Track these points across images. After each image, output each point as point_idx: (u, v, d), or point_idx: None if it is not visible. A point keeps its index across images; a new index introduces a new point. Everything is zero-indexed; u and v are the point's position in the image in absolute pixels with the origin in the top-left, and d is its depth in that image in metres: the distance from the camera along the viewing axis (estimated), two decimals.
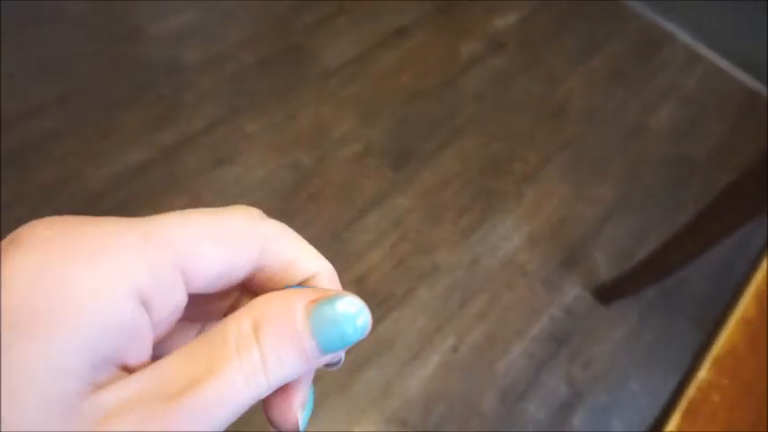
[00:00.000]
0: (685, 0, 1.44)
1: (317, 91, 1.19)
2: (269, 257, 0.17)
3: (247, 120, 1.12)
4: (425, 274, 1.01)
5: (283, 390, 0.17)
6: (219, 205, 0.17)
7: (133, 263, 0.14)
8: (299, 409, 0.17)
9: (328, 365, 0.19)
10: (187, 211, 0.16)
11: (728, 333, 0.37)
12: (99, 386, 0.13)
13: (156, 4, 1.24)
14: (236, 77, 1.17)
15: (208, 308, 0.19)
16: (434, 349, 0.94)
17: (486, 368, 0.94)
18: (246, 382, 0.14)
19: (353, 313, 0.16)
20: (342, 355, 0.19)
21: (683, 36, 1.47)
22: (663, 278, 0.94)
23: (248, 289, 0.18)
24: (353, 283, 0.98)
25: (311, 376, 0.18)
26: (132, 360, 0.14)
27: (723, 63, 1.44)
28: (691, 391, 0.35)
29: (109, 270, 0.13)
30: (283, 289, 0.17)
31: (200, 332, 0.19)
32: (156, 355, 0.15)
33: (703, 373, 0.35)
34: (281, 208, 1.03)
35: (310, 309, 0.15)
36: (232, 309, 0.18)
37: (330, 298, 0.16)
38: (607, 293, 1.03)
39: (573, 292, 1.04)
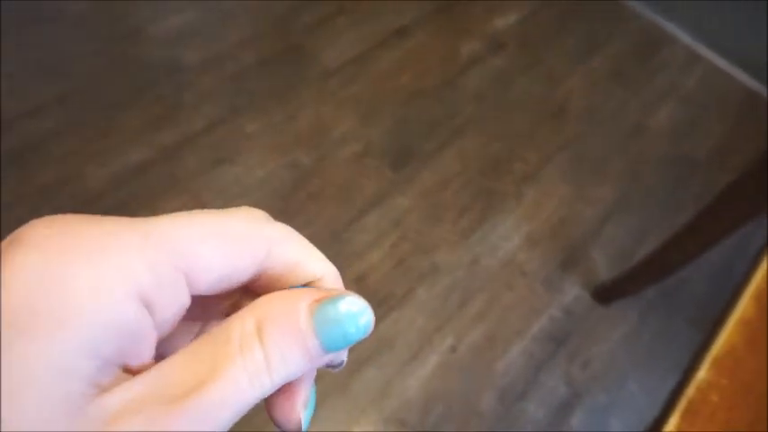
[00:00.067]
0: (685, 0, 1.44)
1: (317, 91, 1.19)
2: (273, 260, 0.17)
3: (247, 120, 1.12)
4: (425, 273, 1.01)
5: (286, 389, 0.17)
6: (219, 205, 0.17)
7: (134, 264, 0.14)
8: (302, 408, 0.17)
9: (331, 366, 0.19)
10: (191, 212, 0.16)
11: (728, 333, 0.37)
12: (103, 388, 0.13)
13: (156, 3, 1.24)
14: (236, 77, 1.18)
15: (209, 307, 0.19)
16: (434, 349, 0.94)
17: (486, 368, 0.94)
18: (250, 382, 0.14)
19: (356, 312, 0.16)
20: (344, 357, 0.19)
21: (683, 36, 1.47)
22: (662, 278, 0.94)
23: (251, 290, 0.18)
24: (353, 282, 0.98)
25: (313, 375, 0.18)
26: (135, 361, 0.14)
27: (723, 63, 1.44)
28: (690, 390, 0.35)
29: (109, 270, 0.13)
30: (287, 289, 0.17)
31: (200, 331, 0.19)
32: (158, 354, 0.15)
33: (702, 373, 0.36)
34: (281, 208, 1.03)
35: (313, 308, 0.15)
36: (234, 308, 0.18)
37: (333, 297, 0.16)
38: (606, 293, 1.03)
39: (572, 292, 1.04)
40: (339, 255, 1.00)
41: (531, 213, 1.11)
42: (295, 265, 0.17)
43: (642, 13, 1.50)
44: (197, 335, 0.19)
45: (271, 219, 0.18)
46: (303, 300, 0.15)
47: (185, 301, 0.15)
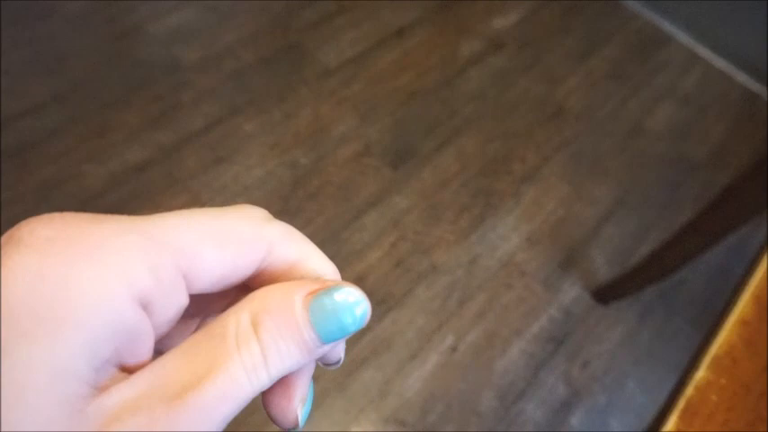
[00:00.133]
0: (685, 0, 1.44)
1: (317, 90, 1.19)
2: (274, 259, 0.17)
3: (246, 119, 1.12)
4: (424, 273, 1.01)
5: (283, 386, 0.17)
6: (218, 204, 0.17)
7: (134, 265, 0.13)
8: (299, 405, 0.17)
9: (328, 365, 0.19)
10: (191, 210, 0.16)
11: (727, 333, 0.37)
12: (101, 389, 0.13)
13: (155, 2, 1.24)
14: (236, 76, 1.17)
15: (208, 304, 0.18)
16: (433, 349, 0.94)
17: (485, 368, 0.94)
18: (248, 377, 0.14)
19: (352, 303, 0.16)
20: (342, 354, 0.19)
21: (683, 36, 1.47)
22: (662, 278, 0.94)
23: (251, 287, 0.18)
24: (352, 282, 0.97)
25: (311, 372, 0.18)
26: (132, 360, 0.14)
27: (722, 64, 1.44)
28: (689, 390, 0.35)
29: (109, 272, 0.13)
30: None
31: (199, 327, 0.19)
32: (156, 351, 0.15)
33: (701, 372, 0.36)
34: (280, 207, 1.03)
35: (309, 300, 0.15)
36: (232, 304, 0.18)
37: (328, 288, 0.16)
38: (606, 293, 1.03)
39: (572, 292, 1.04)
40: (338, 254, 1.00)
41: (530, 213, 1.11)
42: (295, 264, 0.17)
43: (641, 14, 1.50)
44: (195, 331, 0.18)
45: (271, 217, 0.18)
46: (298, 292, 0.15)
47: (184, 302, 0.15)
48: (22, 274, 0.12)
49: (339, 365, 0.19)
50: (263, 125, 1.12)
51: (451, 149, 1.16)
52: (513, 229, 1.09)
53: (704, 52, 1.45)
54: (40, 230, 0.13)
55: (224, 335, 0.14)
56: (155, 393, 0.13)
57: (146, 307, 0.14)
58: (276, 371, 0.15)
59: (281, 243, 0.17)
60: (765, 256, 0.41)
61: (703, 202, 0.81)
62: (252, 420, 0.81)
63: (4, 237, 0.13)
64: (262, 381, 0.14)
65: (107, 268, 0.13)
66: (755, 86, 1.41)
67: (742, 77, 1.42)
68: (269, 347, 0.14)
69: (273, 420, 0.17)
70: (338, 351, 0.19)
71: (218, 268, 0.15)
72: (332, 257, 0.19)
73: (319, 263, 0.18)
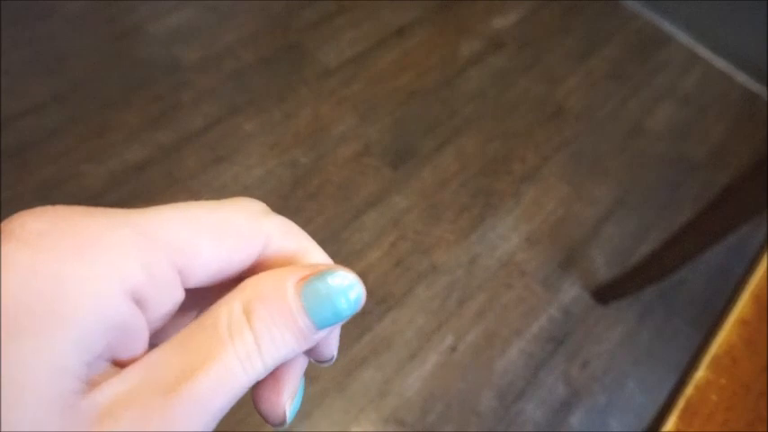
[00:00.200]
0: (685, 0, 1.44)
1: (317, 90, 1.19)
2: (271, 253, 0.17)
3: (246, 118, 1.12)
4: (424, 273, 1.01)
5: (273, 380, 0.17)
6: None
7: (127, 261, 0.13)
8: (288, 400, 0.17)
9: (321, 361, 0.18)
10: (187, 204, 0.15)
11: (726, 333, 0.37)
12: (94, 384, 0.13)
13: (155, 2, 1.24)
14: (235, 76, 1.17)
15: (205, 296, 0.18)
16: (433, 348, 0.94)
17: (485, 367, 0.94)
18: (243, 367, 0.14)
19: (346, 287, 0.15)
20: (335, 351, 0.18)
21: (683, 36, 1.47)
22: (661, 278, 0.94)
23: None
24: None
25: (302, 368, 0.18)
26: (126, 355, 0.14)
27: (722, 64, 1.44)
28: (689, 390, 0.35)
29: (102, 268, 0.13)
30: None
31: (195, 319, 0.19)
32: (151, 346, 0.15)
33: (701, 372, 0.36)
34: (280, 207, 1.03)
35: (301, 286, 0.15)
36: None
37: (321, 273, 0.15)
38: (605, 293, 1.03)
39: (571, 291, 1.04)
40: (338, 254, 1.00)
41: (530, 213, 1.11)
42: (292, 257, 0.17)
43: (641, 14, 1.50)
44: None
45: (269, 210, 0.17)
46: (290, 278, 0.15)
47: (179, 297, 0.15)
48: (14, 270, 0.12)
49: (332, 362, 0.19)
50: (262, 125, 1.12)
51: (451, 149, 1.16)
52: (512, 228, 1.09)
53: (704, 52, 1.45)
54: (31, 224, 0.13)
55: (216, 325, 0.14)
56: (148, 387, 0.13)
57: (139, 302, 0.14)
58: (271, 359, 0.14)
59: (278, 237, 0.17)
60: (765, 256, 0.41)
61: (703, 202, 0.81)
62: (252, 420, 0.81)
63: None
64: (257, 370, 0.14)
65: (99, 264, 0.13)
66: (755, 86, 1.41)
67: (742, 77, 1.42)
68: (262, 336, 0.14)
69: (261, 415, 0.17)
70: (331, 347, 0.18)
71: (213, 263, 0.15)
72: (332, 257, 0.19)
73: (318, 257, 0.18)
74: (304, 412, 0.85)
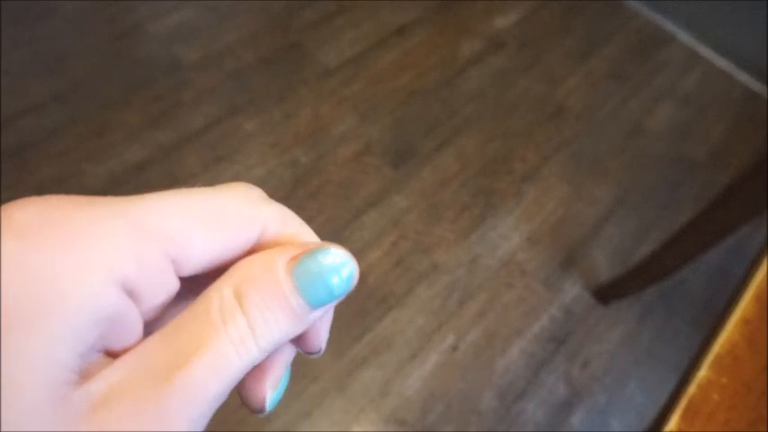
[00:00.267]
0: (685, 0, 1.44)
1: (317, 89, 1.19)
2: (268, 239, 0.16)
3: (246, 118, 1.12)
4: (425, 272, 1.01)
5: (257, 368, 0.16)
6: None
7: (117, 251, 0.13)
8: (269, 388, 0.16)
9: (309, 353, 0.18)
10: (181, 191, 0.15)
11: (728, 332, 0.37)
12: (87, 375, 0.13)
13: (155, 2, 1.24)
14: (236, 76, 1.17)
15: (202, 283, 0.18)
16: (433, 348, 0.94)
17: (485, 367, 0.94)
18: (237, 352, 0.14)
19: (339, 264, 0.15)
20: (323, 344, 0.18)
21: (683, 36, 1.47)
22: (662, 279, 0.94)
23: None
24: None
25: (289, 358, 0.17)
26: (119, 346, 0.14)
27: (723, 63, 1.44)
28: (691, 389, 0.35)
29: (91, 259, 0.13)
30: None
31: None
32: (146, 335, 0.14)
33: (703, 371, 0.35)
34: None
35: (292, 265, 0.15)
36: None
37: (312, 251, 0.15)
38: (606, 293, 1.03)
39: (572, 291, 1.04)
40: None
41: (530, 213, 1.11)
42: (288, 243, 0.17)
43: (642, 13, 1.50)
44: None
45: (266, 197, 0.17)
46: (280, 258, 0.15)
47: (173, 286, 0.15)
48: (4, 264, 0.12)
49: (320, 354, 0.18)
50: (263, 124, 1.12)
51: (452, 149, 1.16)
52: (513, 228, 1.09)
53: (705, 51, 1.45)
54: (18, 216, 0.13)
55: (208, 311, 0.14)
56: (141, 376, 0.13)
57: (131, 293, 0.14)
58: (266, 342, 0.14)
59: (275, 223, 0.16)
60: (767, 256, 0.41)
61: (703, 202, 0.81)
62: (252, 420, 0.81)
63: None
64: (252, 354, 0.14)
65: (88, 255, 0.13)
66: (756, 86, 1.41)
67: (743, 77, 1.42)
68: (256, 319, 0.14)
69: (242, 400, 0.17)
70: (321, 337, 0.18)
71: (208, 252, 0.15)
72: None
73: (313, 241, 0.17)
74: (304, 412, 0.85)
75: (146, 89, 1.12)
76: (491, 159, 1.17)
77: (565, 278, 1.05)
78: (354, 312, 0.95)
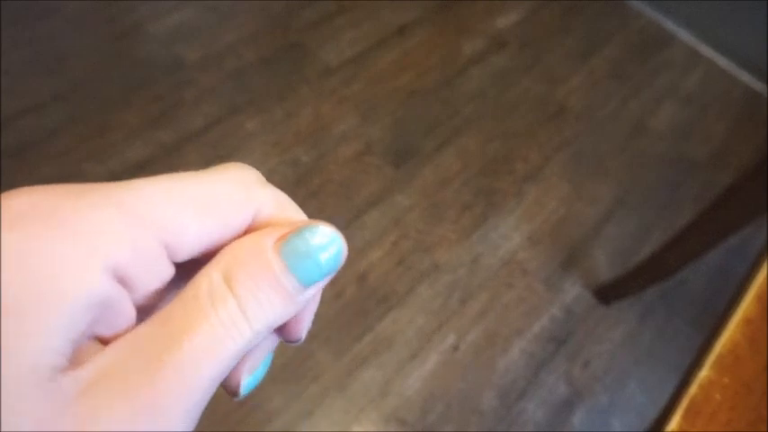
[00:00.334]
0: (686, 0, 1.44)
1: (318, 89, 1.19)
2: (261, 222, 0.16)
3: (247, 117, 1.12)
4: (426, 272, 1.01)
5: None
6: None
7: (109, 239, 0.13)
8: (245, 373, 0.16)
9: (289, 341, 0.18)
10: (173, 176, 0.15)
11: (730, 332, 0.37)
12: (78, 362, 0.13)
13: (155, 2, 1.24)
14: (236, 75, 1.17)
15: (194, 269, 0.18)
16: (434, 348, 0.94)
17: (486, 367, 0.94)
18: (228, 333, 0.14)
19: (327, 241, 0.15)
20: (303, 333, 0.18)
21: (684, 36, 1.47)
22: (663, 279, 0.94)
23: None
24: (354, 280, 0.98)
25: (269, 346, 0.17)
26: (111, 332, 0.14)
27: (724, 63, 1.44)
28: (693, 388, 0.35)
29: (83, 246, 0.13)
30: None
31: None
32: (141, 321, 0.14)
33: (705, 371, 0.35)
34: None
35: (279, 245, 0.15)
36: None
37: (299, 230, 0.15)
38: (607, 293, 1.03)
39: (573, 291, 1.04)
40: None
41: (531, 212, 1.11)
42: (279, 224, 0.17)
43: (643, 13, 1.50)
44: None
45: (262, 179, 0.17)
46: (268, 239, 0.15)
47: (167, 272, 0.15)
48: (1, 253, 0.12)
49: (301, 342, 0.18)
50: (264, 124, 1.12)
51: (452, 149, 1.16)
52: (514, 228, 1.09)
53: (706, 51, 1.45)
54: (11, 206, 0.13)
55: (197, 296, 0.14)
56: (131, 360, 0.13)
57: (124, 279, 0.14)
58: (259, 323, 0.14)
59: (269, 207, 0.16)
60: None
61: (704, 202, 0.81)
62: (252, 420, 0.81)
63: None
64: (245, 336, 0.14)
65: (80, 242, 0.13)
66: (757, 85, 1.41)
67: (744, 76, 1.42)
68: (247, 300, 0.14)
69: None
70: (303, 325, 0.18)
71: (201, 237, 0.15)
72: None
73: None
74: (305, 412, 0.85)
75: (146, 89, 1.12)
76: (492, 159, 1.17)
77: (565, 278, 1.05)
78: (355, 312, 0.94)
